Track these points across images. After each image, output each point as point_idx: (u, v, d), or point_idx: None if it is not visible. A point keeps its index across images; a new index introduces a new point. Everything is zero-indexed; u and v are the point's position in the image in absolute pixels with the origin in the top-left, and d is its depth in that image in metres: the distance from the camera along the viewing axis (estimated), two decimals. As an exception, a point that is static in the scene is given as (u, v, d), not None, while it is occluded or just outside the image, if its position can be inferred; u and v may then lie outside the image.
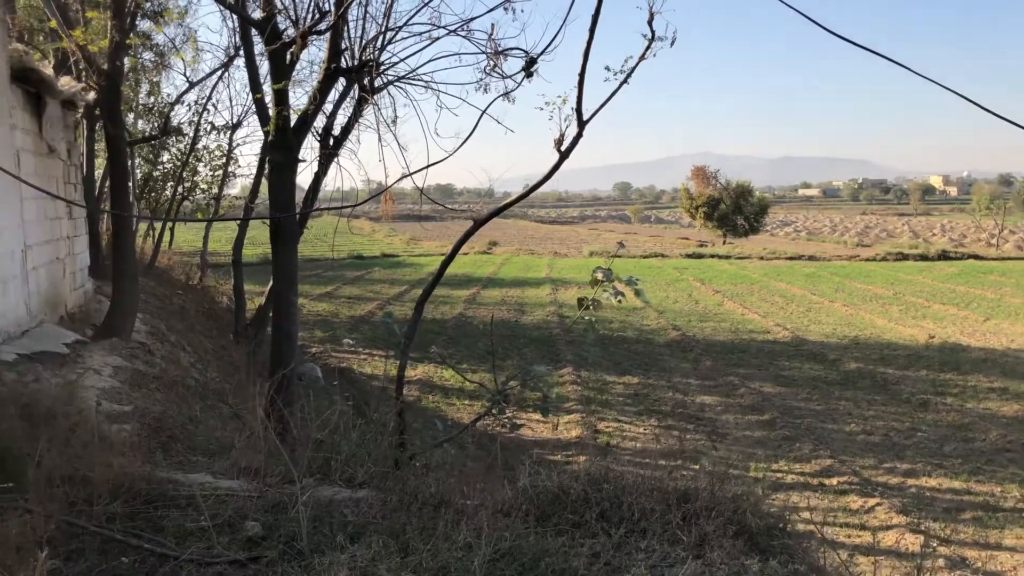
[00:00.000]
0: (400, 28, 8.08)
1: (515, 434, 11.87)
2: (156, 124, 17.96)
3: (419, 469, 5.01)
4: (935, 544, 8.52)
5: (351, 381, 14.01)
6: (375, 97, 8.66)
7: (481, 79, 7.63)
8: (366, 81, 8.54)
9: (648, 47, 6.44)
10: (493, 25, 6.69)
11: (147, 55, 16.65)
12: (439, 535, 3.57)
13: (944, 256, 46.59)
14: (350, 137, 9.39)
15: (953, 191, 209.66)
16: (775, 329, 22.28)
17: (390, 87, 8.77)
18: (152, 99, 18.22)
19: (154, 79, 17.80)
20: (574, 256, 49.72)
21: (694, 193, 70.65)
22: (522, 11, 7.08)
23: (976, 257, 46.90)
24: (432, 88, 8.14)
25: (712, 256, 49.39)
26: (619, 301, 6.29)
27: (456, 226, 74.93)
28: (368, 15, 8.41)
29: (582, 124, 6.35)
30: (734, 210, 66.44)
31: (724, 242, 64.12)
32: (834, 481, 10.51)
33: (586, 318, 6.29)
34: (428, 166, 6.70)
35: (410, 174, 7.34)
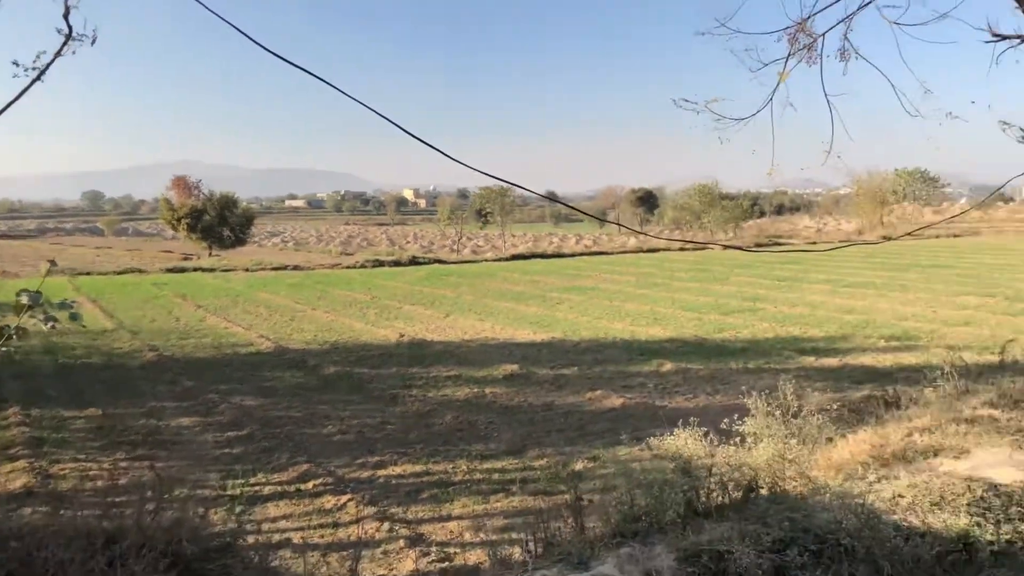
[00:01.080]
0: None
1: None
2: None
3: None
4: (397, 527, 9.31)
5: None
6: None
7: None
8: None
9: (65, 43, 5.87)
10: None
11: None
12: None
13: (415, 261, 51.80)
14: None
15: (423, 203, 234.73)
16: (258, 340, 22.25)
17: None
18: None
19: None
20: (30, 275, 43.01)
21: (176, 204, 67.46)
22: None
23: (440, 261, 53.06)
24: None
25: (196, 269, 47.40)
26: (51, 327, 5.61)
27: None
28: None
29: (-19, 122, 5.46)
30: (219, 221, 65.17)
31: (210, 254, 62.33)
32: (310, 485, 10.80)
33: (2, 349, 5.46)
34: None
35: None
